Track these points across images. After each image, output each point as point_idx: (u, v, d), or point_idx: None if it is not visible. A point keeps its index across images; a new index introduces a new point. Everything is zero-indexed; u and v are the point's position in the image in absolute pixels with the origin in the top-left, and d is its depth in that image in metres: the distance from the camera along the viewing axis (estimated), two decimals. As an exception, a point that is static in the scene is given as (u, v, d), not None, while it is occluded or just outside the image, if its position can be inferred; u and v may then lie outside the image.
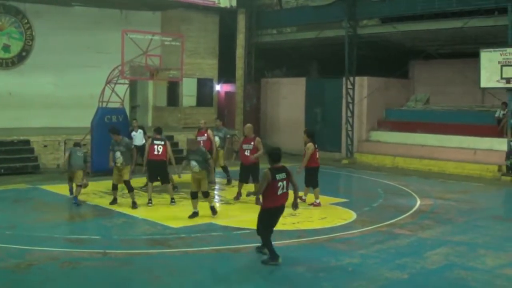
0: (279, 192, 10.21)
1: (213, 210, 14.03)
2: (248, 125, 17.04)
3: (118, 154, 14.93)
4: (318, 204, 15.49)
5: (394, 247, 11.53)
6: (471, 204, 16.85)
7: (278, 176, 10.14)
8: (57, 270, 9.68)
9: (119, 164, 15.00)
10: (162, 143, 15.52)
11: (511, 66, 20.77)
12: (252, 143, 16.26)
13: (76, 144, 16.54)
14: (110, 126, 16.60)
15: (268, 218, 10.41)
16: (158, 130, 16.06)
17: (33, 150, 21.61)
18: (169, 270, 9.85)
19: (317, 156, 15.91)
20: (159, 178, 15.78)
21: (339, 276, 9.67)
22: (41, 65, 25.20)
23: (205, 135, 18.73)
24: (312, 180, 15.78)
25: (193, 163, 13.54)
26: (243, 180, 16.45)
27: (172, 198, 15.68)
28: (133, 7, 27.92)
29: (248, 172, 16.25)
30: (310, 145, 15.56)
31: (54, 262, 10.01)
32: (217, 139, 19.14)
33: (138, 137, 20.05)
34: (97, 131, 20.35)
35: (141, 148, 18.57)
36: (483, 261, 10.62)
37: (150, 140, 15.89)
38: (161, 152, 15.44)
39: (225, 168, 19.48)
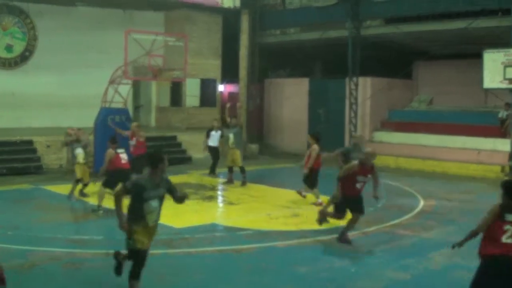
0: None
1: None
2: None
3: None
4: (321, 204, 15.46)
5: (397, 248, 11.52)
6: (475, 204, 16.79)
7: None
8: (60, 270, 9.68)
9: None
10: (123, 150, 15.21)
11: (514, 67, 20.74)
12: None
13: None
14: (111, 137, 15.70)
15: None
16: (113, 140, 15.11)
17: (36, 150, 21.63)
18: (172, 270, 9.84)
19: (320, 158, 15.95)
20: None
21: (342, 277, 9.66)
22: (44, 65, 25.21)
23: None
24: (313, 180, 15.84)
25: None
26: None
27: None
28: (137, 7, 27.94)
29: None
30: (316, 146, 15.62)
31: (57, 263, 10.01)
32: (230, 136, 19.00)
33: (215, 137, 20.49)
34: (100, 131, 20.35)
35: (213, 149, 19.62)
36: (486, 262, 10.58)
37: (111, 151, 14.80)
38: (126, 160, 15.09)
39: (242, 169, 19.20)
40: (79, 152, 16.33)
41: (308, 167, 15.67)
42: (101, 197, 14.65)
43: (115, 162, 14.69)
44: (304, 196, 16.05)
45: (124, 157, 14.97)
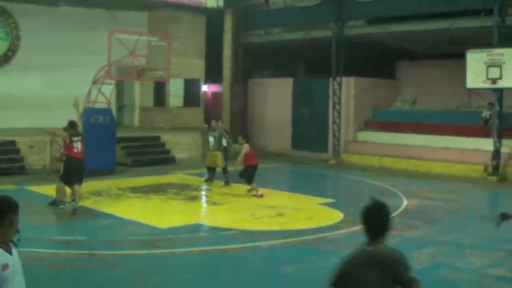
0: None
1: None
2: None
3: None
4: (261, 196, 16.70)
5: (381, 247, 11.55)
6: (458, 204, 16.92)
7: None
8: (44, 271, 9.64)
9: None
10: (80, 138, 14.36)
11: (497, 66, 20.83)
12: None
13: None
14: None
15: None
16: (72, 124, 14.53)
17: (19, 150, 21.49)
18: (156, 271, 9.83)
19: (255, 156, 17.57)
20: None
21: (326, 276, 9.67)
22: (27, 65, 25.01)
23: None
24: (248, 176, 17.22)
25: None
26: None
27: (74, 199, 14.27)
28: (120, 7, 27.85)
29: None
30: (246, 146, 17.39)
31: (42, 264, 9.97)
32: (211, 139, 19.14)
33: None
34: (84, 132, 20.21)
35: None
36: (469, 260, 10.68)
37: (67, 136, 14.29)
38: (80, 149, 14.30)
39: (224, 169, 19.35)
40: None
41: (239, 162, 17.48)
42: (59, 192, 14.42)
43: (66, 149, 14.22)
44: (250, 191, 17.22)
45: (78, 146, 14.21)
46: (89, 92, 20.92)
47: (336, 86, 26.78)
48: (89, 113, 20.58)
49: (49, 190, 16.37)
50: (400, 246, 11.69)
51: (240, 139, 17.86)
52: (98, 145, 19.97)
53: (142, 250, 11.05)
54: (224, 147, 19.57)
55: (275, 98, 30.42)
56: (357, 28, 27.26)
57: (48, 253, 10.58)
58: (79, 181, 14.28)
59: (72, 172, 14.20)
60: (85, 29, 26.24)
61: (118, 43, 20.34)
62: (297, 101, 29.44)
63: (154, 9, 28.66)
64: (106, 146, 20.47)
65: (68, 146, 14.22)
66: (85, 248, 10.95)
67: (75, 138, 14.22)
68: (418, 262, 10.50)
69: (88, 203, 15.44)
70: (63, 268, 9.78)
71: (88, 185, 17.70)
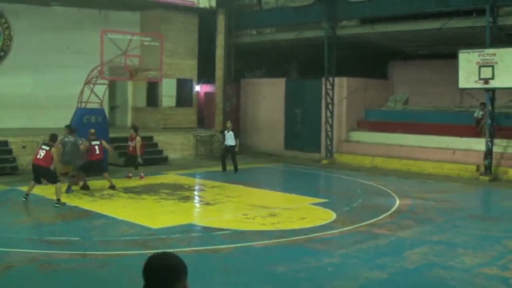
0: None
1: None
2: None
3: None
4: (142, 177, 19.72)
5: (373, 247, 11.59)
6: (450, 203, 16.96)
7: None
8: (37, 272, 9.62)
9: None
10: (47, 148, 15.20)
11: (489, 67, 20.91)
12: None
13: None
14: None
15: None
16: (53, 137, 15.78)
17: (11, 151, 21.43)
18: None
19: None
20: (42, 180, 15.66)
21: (319, 276, 9.70)
22: (20, 65, 24.97)
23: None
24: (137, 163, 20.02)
25: None
26: None
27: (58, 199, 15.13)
28: (112, 7, 27.81)
29: None
30: (139, 138, 20.05)
31: (34, 264, 9.95)
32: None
33: (229, 137, 21.77)
34: (76, 132, 20.18)
35: (230, 148, 21.62)
36: (461, 260, 10.70)
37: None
38: (42, 157, 15.11)
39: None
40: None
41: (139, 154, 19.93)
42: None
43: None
44: (130, 177, 19.86)
45: (41, 153, 15.28)
46: (81, 93, 20.87)
47: (329, 86, 26.81)
48: (81, 113, 20.55)
49: (40, 190, 16.34)
50: (393, 245, 11.82)
51: (132, 132, 20.48)
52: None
53: (134, 251, 11.03)
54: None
55: (268, 98, 30.43)
56: (349, 28, 27.30)
57: (41, 254, 10.56)
58: (51, 181, 15.60)
59: (35, 174, 15.54)
60: (78, 29, 26.22)
61: (110, 43, 20.29)
62: (289, 101, 29.46)
63: (147, 9, 28.63)
64: (99, 146, 20.44)
65: (36, 152, 15.74)
66: (77, 249, 10.92)
67: (44, 147, 15.44)
68: (410, 261, 10.54)
69: (81, 203, 15.42)
70: (55, 269, 9.75)
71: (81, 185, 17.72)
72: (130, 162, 20.61)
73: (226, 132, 22.13)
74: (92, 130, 18.26)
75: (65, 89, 24.50)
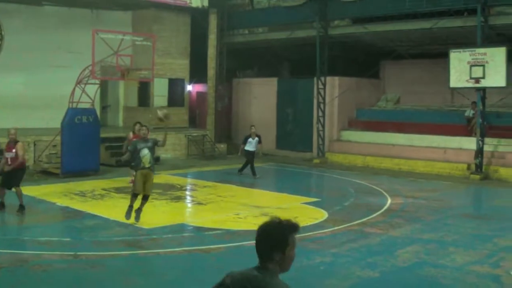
0: None
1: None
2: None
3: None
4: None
5: (365, 246, 11.62)
6: (441, 202, 17.02)
7: None
8: (27, 273, 9.58)
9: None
10: (13, 155, 14.10)
11: (480, 66, 20.99)
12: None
13: None
14: None
15: None
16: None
17: (2, 151, 21.31)
18: (141, 271, 9.82)
19: None
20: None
21: (311, 275, 9.71)
22: (11, 65, 24.80)
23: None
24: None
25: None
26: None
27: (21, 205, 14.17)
28: (104, 7, 27.74)
29: None
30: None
31: (25, 265, 9.90)
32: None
33: (252, 143, 21.29)
34: (67, 133, 20.17)
35: (250, 153, 21.12)
36: (453, 258, 10.74)
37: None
38: (10, 161, 14.09)
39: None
40: None
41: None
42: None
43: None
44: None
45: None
46: (72, 92, 20.81)
47: (321, 86, 26.85)
48: (73, 113, 20.49)
49: (31, 191, 16.31)
50: (384, 244, 11.83)
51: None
52: (82, 145, 19.94)
53: (126, 251, 11.01)
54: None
55: (260, 97, 30.45)
56: (341, 28, 27.34)
57: (31, 255, 10.51)
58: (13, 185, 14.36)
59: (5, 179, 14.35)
60: (69, 29, 26.13)
61: (102, 43, 20.23)
62: (281, 100, 29.49)
63: (139, 9, 28.56)
64: (90, 147, 20.38)
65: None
66: (69, 249, 10.89)
67: (7, 154, 14.27)
68: (402, 260, 10.57)
69: (72, 204, 15.38)
70: (46, 270, 9.71)
71: (72, 186, 17.70)
72: None
73: (251, 139, 21.46)
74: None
75: (56, 89, 24.40)
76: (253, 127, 22.04)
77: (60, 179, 19.39)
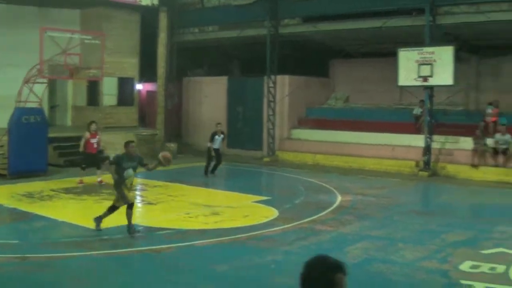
0: None
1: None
2: None
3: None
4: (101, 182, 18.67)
5: (315, 243, 11.70)
6: (390, 199, 17.26)
7: None
8: (-27, 276, 9.41)
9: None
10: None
11: (428, 65, 21.35)
12: None
13: None
14: None
15: None
16: None
17: None
18: (91, 272, 9.72)
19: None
20: None
21: (261, 274, 9.75)
22: (-45, 64, 24.32)
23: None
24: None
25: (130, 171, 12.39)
26: None
27: None
28: (52, 4, 27.29)
29: None
30: (87, 134, 18.97)
31: (-30, 268, 9.73)
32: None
33: (218, 141, 21.51)
34: (14, 133, 19.83)
35: (216, 151, 21.32)
36: (402, 254, 10.89)
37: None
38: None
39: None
40: None
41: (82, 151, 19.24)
42: None
43: None
44: (101, 182, 18.87)
45: None
46: (20, 92, 20.46)
47: (271, 84, 26.95)
48: (20, 113, 20.14)
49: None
50: (334, 241, 11.95)
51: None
52: (30, 145, 19.63)
53: (76, 252, 10.87)
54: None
55: (210, 96, 30.40)
56: (291, 27, 27.45)
57: (-22, 257, 10.33)
58: None
59: None
60: (16, 27, 25.60)
61: (50, 41, 19.94)
62: (232, 99, 29.50)
63: (87, 7, 28.19)
64: (38, 147, 20.07)
65: None
66: (17, 252, 10.70)
67: None
68: (352, 257, 10.67)
69: (20, 205, 15.13)
70: (-6, 272, 9.56)
71: (19, 187, 17.40)
72: (91, 161, 19.39)
73: (217, 136, 21.61)
74: None
75: (3, 88, 23.87)
76: (219, 125, 22.19)
77: (7, 180, 19.06)
